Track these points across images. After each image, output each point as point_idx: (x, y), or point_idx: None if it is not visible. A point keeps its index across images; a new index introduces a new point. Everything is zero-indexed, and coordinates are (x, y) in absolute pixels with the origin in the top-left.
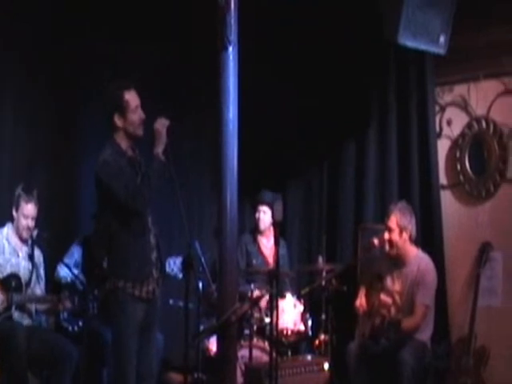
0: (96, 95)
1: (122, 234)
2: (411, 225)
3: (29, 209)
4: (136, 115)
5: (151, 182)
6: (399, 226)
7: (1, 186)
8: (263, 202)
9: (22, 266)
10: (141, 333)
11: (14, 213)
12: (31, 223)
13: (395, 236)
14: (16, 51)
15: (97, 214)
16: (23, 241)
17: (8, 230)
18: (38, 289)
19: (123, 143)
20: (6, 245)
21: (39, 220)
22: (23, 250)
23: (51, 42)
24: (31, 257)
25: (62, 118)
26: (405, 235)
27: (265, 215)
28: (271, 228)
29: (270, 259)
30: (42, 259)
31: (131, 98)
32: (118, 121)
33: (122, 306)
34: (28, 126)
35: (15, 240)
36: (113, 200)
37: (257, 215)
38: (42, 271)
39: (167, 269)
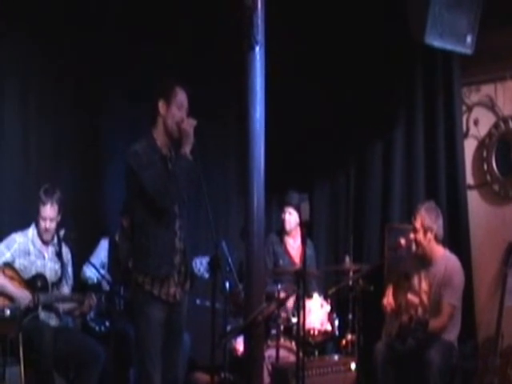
0: (122, 95)
1: (145, 229)
2: (436, 225)
3: (46, 210)
4: (179, 112)
5: (179, 180)
6: (424, 227)
7: (28, 186)
8: (289, 204)
9: (48, 268)
10: (167, 336)
11: (37, 215)
12: (49, 224)
13: (420, 236)
14: (41, 51)
15: (124, 209)
16: (45, 243)
17: (33, 231)
18: (66, 288)
19: (159, 139)
20: (32, 247)
21: (65, 220)
22: (49, 251)
23: (75, 42)
24: (59, 255)
25: (87, 119)
26: (429, 235)
27: (290, 216)
28: (298, 228)
29: (297, 259)
30: (69, 256)
31: (180, 93)
32: (161, 108)
33: (140, 304)
34: (53, 126)
35: (40, 242)
36: (141, 192)
37: (283, 216)
38: (69, 269)
39: (194, 269)
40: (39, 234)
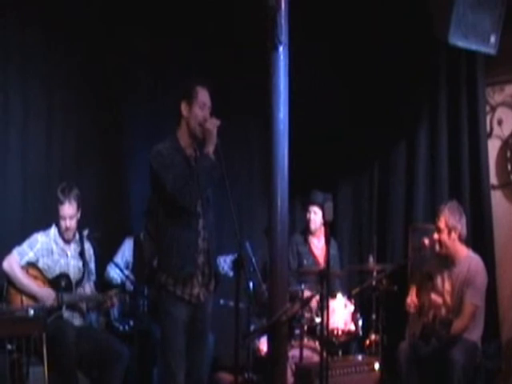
0: (145, 95)
1: (168, 229)
2: (460, 224)
3: (64, 209)
4: (202, 112)
5: (200, 179)
6: (448, 226)
7: (52, 186)
8: (314, 203)
9: (72, 265)
10: (191, 336)
11: (57, 215)
12: (69, 223)
13: (444, 236)
14: (64, 51)
15: (148, 208)
16: (67, 241)
17: (55, 230)
18: (88, 286)
19: (183, 140)
20: (54, 247)
21: (89, 220)
22: (72, 249)
23: (100, 42)
24: (81, 253)
25: (110, 119)
26: (454, 235)
27: (316, 216)
28: (322, 228)
29: (321, 259)
30: (92, 252)
31: (202, 92)
32: (184, 110)
33: (165, 305)
34: (77, 126)
35: (62, 241)
36: (161, 191)
37: (308, 215)
38: (92, 265)
39: (218, 267)
40: (60, 233)
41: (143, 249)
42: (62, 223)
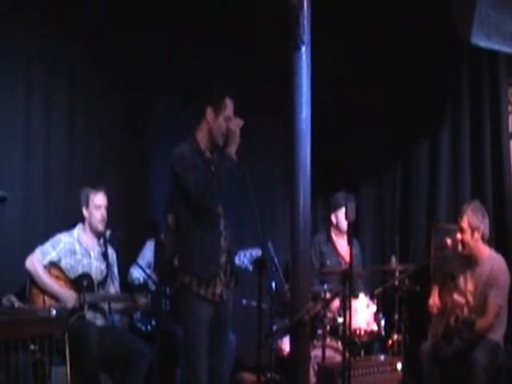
0: (167, 95)
1: (191, 230)
2: (483, 225)
3: (99, 199)
4: (225, 123)
5: (221, 181)
6: (471, 227)
7: (74, 187)
8: (340, 206)
9: (94, 266)
10: (212, 334)
11: (85, 211)
12: (104, 212)
13: (467, 236)
14: (88, 52)
15: (169, 208)
16: (98, 235)
17: (79, 230)
18: (112, 288)
19: (203, 142)
20: (78, 247)
21: (112, 221)
22: (95, 250)
23: (122, 44)
24: (105, 256)
25: (133, 120)
26: (477, 235)
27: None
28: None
29: (347, 259)
30: (115, 257)
31: (229, 106)
32: (209, 115)
33: (187, 304)
34: (100, 126)
35: (86, 241)
36: (184, 194)
37: (334, 220)
38: (115, 270)
39: (238, 261)
40: (92, 228)
41: (164, 247)
42: (98, 213)
